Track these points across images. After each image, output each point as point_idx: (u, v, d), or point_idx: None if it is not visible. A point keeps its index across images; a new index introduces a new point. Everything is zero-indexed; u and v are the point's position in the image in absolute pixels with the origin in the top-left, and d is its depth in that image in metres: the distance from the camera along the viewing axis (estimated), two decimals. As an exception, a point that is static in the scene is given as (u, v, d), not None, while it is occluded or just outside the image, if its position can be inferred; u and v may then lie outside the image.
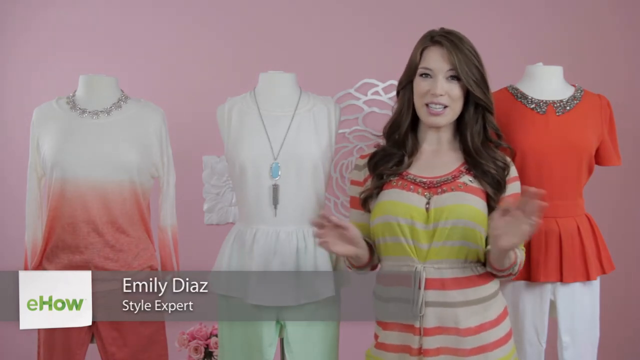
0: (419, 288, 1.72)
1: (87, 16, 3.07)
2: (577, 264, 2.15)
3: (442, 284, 1.73)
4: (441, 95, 1.77)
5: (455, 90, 1.78)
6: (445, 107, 1.78)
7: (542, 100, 2.20)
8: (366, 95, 3.09)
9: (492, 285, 1.81)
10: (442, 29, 1.83)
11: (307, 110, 2.14)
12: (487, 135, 1.84)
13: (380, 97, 3.09)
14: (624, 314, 3.10)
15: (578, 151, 2.15)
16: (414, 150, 1.86)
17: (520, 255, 1.76)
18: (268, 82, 2.18)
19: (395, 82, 3.02)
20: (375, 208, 1.83)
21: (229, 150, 2.13)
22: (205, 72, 3.07)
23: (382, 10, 3.08)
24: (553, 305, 2.20)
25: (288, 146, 2.07)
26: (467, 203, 1.74)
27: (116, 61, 3.02)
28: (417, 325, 1.74)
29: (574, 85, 2.28)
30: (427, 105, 1.79)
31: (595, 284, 2.21)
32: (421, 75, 1.81)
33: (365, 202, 1.87)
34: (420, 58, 1.81)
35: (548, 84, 2.24)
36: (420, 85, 1.81)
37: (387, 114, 3.05)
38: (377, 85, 3.09)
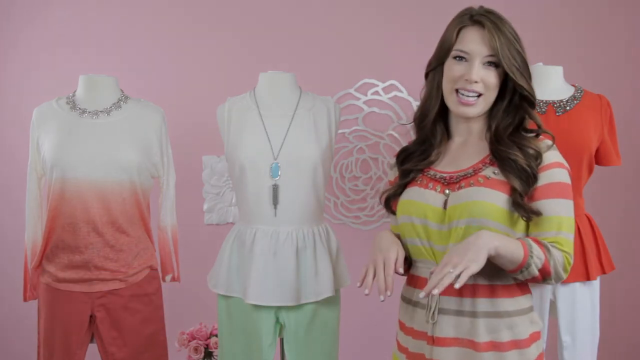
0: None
1: (87, 16, 3.07)
2: (577, 264, 2.15)
3: (459, 291, 1.52)
4: (476, 82, 1.56)
5: (491, 78, 1.57)
6: (479, 95, 1.58)
7: (542, 100, 2.20)
8: (366, 95, 3.09)
9: (522, 301, 1.58)
10: (481, 7, 1.62)
11: (307, 110, 2.14)
12: (522, 126, 1.61)
13: (380, 97, 3.08)
14: (624, 314, 3.10)
15: (578, 151, 2.15)
16: (443, 141, 1.67)
17: (535, 256, 1.48)
18: (268, 82, 2.18)
19: (396, 82, 3.08)
20: (397, 208, 1.67)
21: (229, 150, 2.13)
22: (206, 72, 3.07)
23: (382, 11, 3.08)
24: (553, 305, 2.20)
25: (288, 146, 2.07)
26: (482, 199, 1.52)
27: (116, 61, 3.02)
28: (430, 333, 1.57)
29: (574, 85, 2.28)
30: (457, 91, 1.59)
31: (595, 284, 2.21)
32: (455, 57, 1.59)
33: (387, 203, 1.71)
34: (456, 38, 1.59)
35: (548, 84, 2.24)
36: (452, 69, 1.59)
37: (387, 114, 3.08)
38: (377, 85, 3.08)
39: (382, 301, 1.49)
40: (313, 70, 3.01)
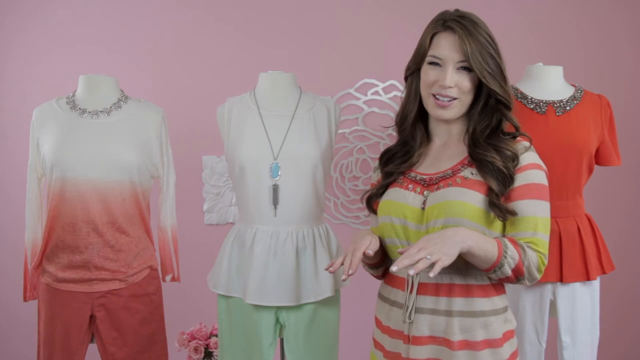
0: (411, 292, 1.58)
1: (87, 16, 3.07)
2: (577, 264, 2.15)
3: (436, 290, 1.57)
4: (450, 87, 1.60)
5: (465, 82, 1.61)
6: (454, 99, 1.62)
7: (542, 101, 2.20)
8: (366, 95, 3.09)
9: (497, 301, 1.60)
10: (456, 10, 1.66)
11: (307, 110, 2.14)
12: (500, 128, 1.64)
13: (380, 97, 3.09)
14: (624, 314, 3.10)
15: (578, 151, 2.15)
16: (423, 143, 1.71)
17: (509, 256, 1.51)
18: (268, 82, 2.18)
19: (396, 82, 3.08)
20: (378, 208, 1.70)
21: (229, 150, 2.13)
22: (205, 72, 3.08)
23: (382, 10, 3.09)
24: (553, 305, 2.20)
25: (288, 146, 2.07)
26: (460, 199, 1.55)
27: (116, 61, 3.02)
28: (406, 332, 1.59)
29: (574, 85, 2.28)
30: (434, 96, 1.62)
31: (595, 284, 2.21)
32: (430, 63, 1.63)
33: (368, 202, 1.74)
34: (430, 44, 1.64)
35: (548, 84, 2.25)
36: (428, 74, 1.63)
37: (387, 114, 3.07)
38: (377, 85, 3.09)
39: (343, 280, 1.59)
40: (313, 70, 3.01)
